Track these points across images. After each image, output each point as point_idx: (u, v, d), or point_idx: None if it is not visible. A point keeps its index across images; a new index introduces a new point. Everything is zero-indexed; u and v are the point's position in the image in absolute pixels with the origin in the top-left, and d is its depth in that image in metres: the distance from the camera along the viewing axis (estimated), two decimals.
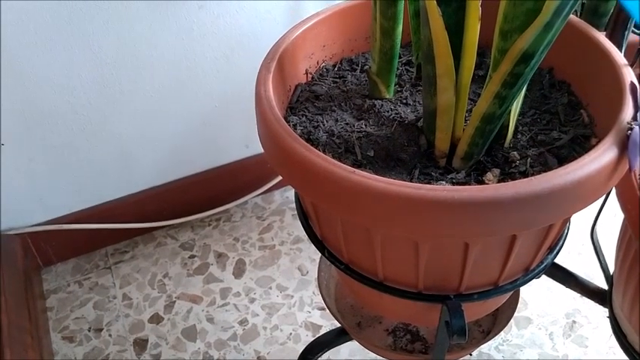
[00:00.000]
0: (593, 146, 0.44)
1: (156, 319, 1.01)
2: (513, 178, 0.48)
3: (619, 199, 0.62)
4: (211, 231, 1.16)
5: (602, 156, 0.42)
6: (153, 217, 1.12)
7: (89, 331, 0.99)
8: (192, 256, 1.11)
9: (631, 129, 0.43)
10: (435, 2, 0.42)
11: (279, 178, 1.17)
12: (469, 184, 0.48)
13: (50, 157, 0.98)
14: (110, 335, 0.99)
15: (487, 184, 0.47)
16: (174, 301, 1.03)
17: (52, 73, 0.89)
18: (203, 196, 1.15)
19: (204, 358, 0.94)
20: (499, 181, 0.48)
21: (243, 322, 1.00)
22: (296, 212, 0.60)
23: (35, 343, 0.88)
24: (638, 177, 0.58)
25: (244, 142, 1.14)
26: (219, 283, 1.06)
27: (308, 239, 0.58)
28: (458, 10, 0.45)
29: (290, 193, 1.22)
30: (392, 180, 0.41)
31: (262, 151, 0.51)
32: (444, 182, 0.48)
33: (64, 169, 1.00)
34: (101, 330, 0.99)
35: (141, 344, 0.97)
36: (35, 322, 0.93)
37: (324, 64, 0.62)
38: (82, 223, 1.06)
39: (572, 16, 0.54)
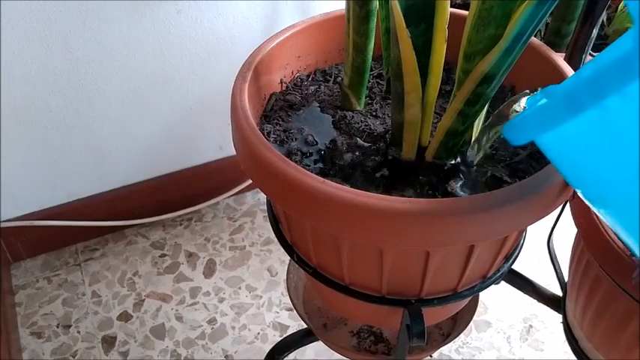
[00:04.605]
0: (548, 162, 0.47)
1: (125, 316, 1.02)
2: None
3: (572, 214, 0.66)
4: (182, 230, 1.17)
5: (555, 173, 0.45)
6: (124, 215, 1.13)
7: (58, 327, 1.00)
8: (162, 255, 1.12)
9: None
10: (405, 24, 0.45)
11: None
12: (432, 195, 0.50)
13: (23, 154, 0.98)
14: (79, 332, 0.99)
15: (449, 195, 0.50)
16: (144, 300, 1.04)
17: (28, 71, 0.89)
18: (175, 195, 1.16)
19: (172, 356, 0.96)
20: None
21: (211, 321, 1.01)
22: (267, 214, 0.62)
23: (4, 338, 0.88)
24: None
25: (218, 144, 1.15)
26: (189, 282, 1.07)
27: (278, 241, 0.60)
28: (426, 31, 0.47)
29: (261, 195, 1.24)
30: (360, 191, 0.43)
31: (235, 153, 0.53)
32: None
33: (36, 165, 1.01)
34: (70, 326, 1.00)
35: (109, 341, 0.98)
36: (4, 317, 0.93)
37: (298, 74, 0.64)
38: (53, 220, 1.06)
39: (533, 39, 0.57)
